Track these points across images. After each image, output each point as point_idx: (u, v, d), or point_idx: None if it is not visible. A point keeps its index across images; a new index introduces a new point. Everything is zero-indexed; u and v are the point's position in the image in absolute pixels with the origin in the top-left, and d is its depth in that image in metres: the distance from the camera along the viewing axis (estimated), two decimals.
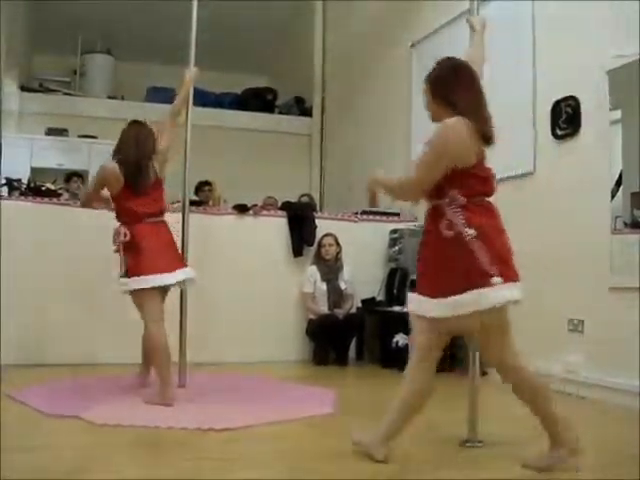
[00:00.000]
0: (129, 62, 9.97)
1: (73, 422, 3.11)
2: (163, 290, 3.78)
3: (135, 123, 3.89)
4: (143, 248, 3.68)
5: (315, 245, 5.78)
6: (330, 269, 5.69)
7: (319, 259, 5.71)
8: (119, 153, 3.78)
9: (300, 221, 5.83)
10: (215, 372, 4.77)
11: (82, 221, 4.94)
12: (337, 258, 5.73)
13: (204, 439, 2.89)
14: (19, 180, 5.84)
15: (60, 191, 5.87)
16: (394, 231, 5.95)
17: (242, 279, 5.52)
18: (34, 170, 8.01)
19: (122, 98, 9.73)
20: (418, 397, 2.57)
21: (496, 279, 2.35)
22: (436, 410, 3.46)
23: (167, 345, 3.67)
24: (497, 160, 4.78)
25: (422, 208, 2.72)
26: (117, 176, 3.72)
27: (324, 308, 5.61)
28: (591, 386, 4.05)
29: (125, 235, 3.68)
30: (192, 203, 4.93)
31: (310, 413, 3.43)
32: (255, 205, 5.93)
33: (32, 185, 5.71)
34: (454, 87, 2.52)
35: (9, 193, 5.56)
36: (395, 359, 4.78)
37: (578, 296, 4.24)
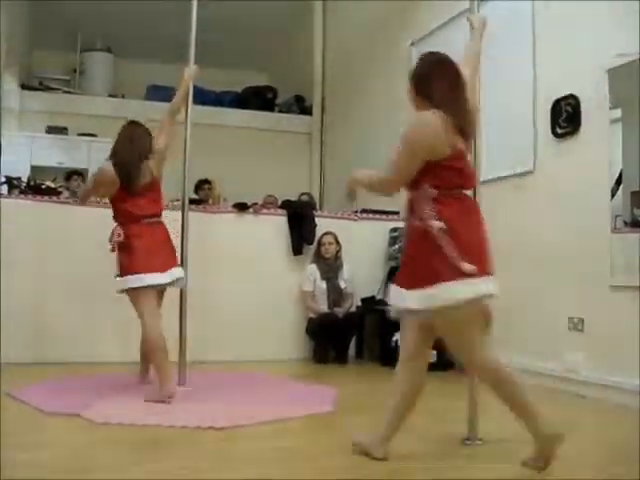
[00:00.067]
0: (129, 60, 9.97)
1: (73, 420, 3.12)
2: (158, 289, 3.80)
3: (131, 124, 3.92)
4: (136, 247, 3.71)
5: (315, 244, 5.78)
6: (330, 268, 5.69)
7: (319, 258, 5.72)
8: (114, 154, 3.82)
9: (300, 219, 5.83)
10: (215, 370, 4.77)
11: (82, 220, 4.95)
12: (337, 257, 5.73)
13: (204, 437, 2.90)
14: (19, 178, 5.84)
15: (60, 189, 5.86)
16: (394, 230, 5.95)
17: (242, 277, 5.52)
18: (34, 168, 8.00)
19: (122, 96, 9.72)
20: (409, 396, 2.58)
21: (467, 268, 2.32)
22: (436, 408, 3.47)
23: (164, 341, 3.67)
24: (497, 159, 4.82)
25: None
26: (113, 178, 3.76)
27: (324, 307, 5.61)
28: (591, 385, 4.06)
29: (119, 235, 3.73)
30: (192, 202, 4.92)
31: (310, 411, 3.43)
32: (255, 204, 5.94)
33: (32, 183, 5.70)
34: (432, 81, 2.54)
35: (9, 191, 5.56)
36: (395, 357, 4.72)
37: (578, 295, 4.24)
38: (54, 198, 5.35)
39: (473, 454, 2.73)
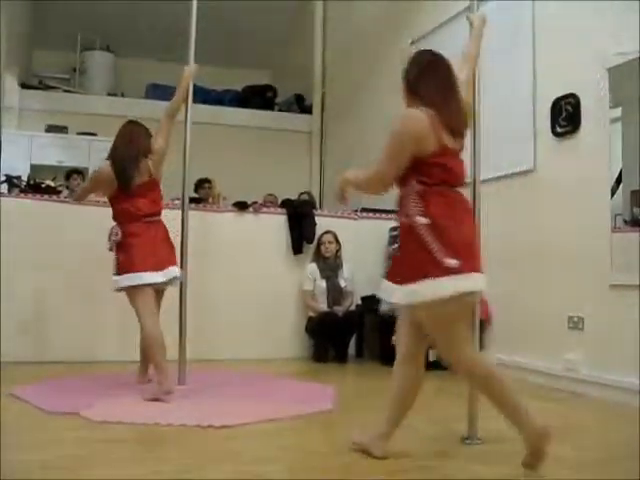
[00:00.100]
0: (129, 59, 9.98)
1: (73, 420, 3.11)
2: (156, 287, 3.80)
3: (129, 123, 3.95)
4: (133, 246, 3.73)
5: (315, 242, 5.78)
6: (330, 267, 5.69)
7: (319, 257, 5.72)
8: (112, 152, 3.85)
9: (300, 219, 5.83)
10: (214, 369, 4.77)
11: (82, 218, 4.95)
12: (337, 256, 5.74)
13: (203, 436, 2.89)
14: (19, 177, 5.84)
15: (60, 188, 5.87)
16: (394, 228, 5.93)
17: (242, 276, 5.52)
18: (34, 167, 8.01)
19: (122, 95, 9.73)
20: (406, 394, 2.58)
21: (449, 264, 2.33)
22: (436, 407, 3.47)
23: (162, 338, 3.68)
24: (498, 158, 4.81)
25: None
26: (110, 178, 3.78)
27: (324, 306, 5.61)
28: (591, 384, 4.05)
29: (117, 234, 3.75)
30: (192, 200, 4.93)
31: (310, 410, 3.43)
32: (255, 202, 5.94)
33: (32, 182, 5.71)
34: (422, 79, 2.56)
35: (9, 190, 5.56)
36: (394, 356, 4.78)
37: (578, 294, 4.24)
38: (54, 197, 5.34)
39: (473, 453, 2.73)
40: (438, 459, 2.64)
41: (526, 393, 4.05)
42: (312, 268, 5.68)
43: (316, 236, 5.79)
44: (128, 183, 3.76)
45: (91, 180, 4.13)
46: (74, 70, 9.84)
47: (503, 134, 4.80)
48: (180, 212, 4.13)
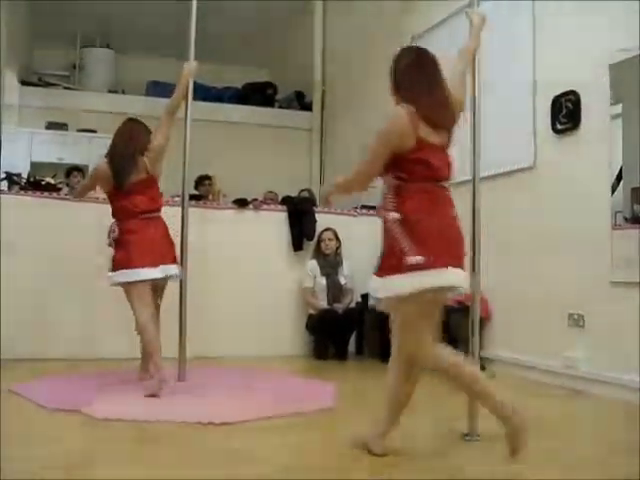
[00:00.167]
0: (129, 56, 9.96)
1: (74, 416, 3.12)
2: (155, 283, 3.82)
3: (129, 121, 3.97)
4: (129, 243, 3.75)
5: (315, 240, 5.78)
6: (330, 264, 5.69)
7: (319, 254, 5.72)
8: (111, 149, 3.88)
9: (300, 216, 5.83)
10: (215, 366, 4.78)
11: (82, 216, 4.95)
12: (337, 253, 5.74)
13: (204, 433, 2.90)
14: (19, 174, 5.85)
15: (60, 185, 5.87)
16: None
17: (242, 273, 5.52)
18: (34, 164, 8.02)
19: (122, 92, 9.72)
20: (403, 390, 2.58)
21: (411, 261, 2.34)
22: (435, 404, 3.48)
23: (155, 332, 3.72)
24: (497, 155, 4.81)
25: None
26: (107, 176, 3.81)
27: (324, 303, 5.61)
28: (591, 381, 4.06)
29: (114, 231, 3.79)
30: (192, 197, 4.93)
31: (310, 407, 3.43)
32: (255, 199, 5.94)
33: (32, 179, 5.71)
34: (401, 74, 2.62)
35: (9, 187, 5.57)
36: None
37: (578, 291, 4.24)
38: (54, 194, 5.35)
39: (473, 450, 2.73)
40: (438, 455, 2.65)
41: (526, 390, 4.08)
42: (312, 265, 5.68)
43: (316, 233, 5.79)
44: (123, 181, 3.78)
45: (90, 177, 4.16)
46: (74, 67, 9.83)
47: (503, 131, 4.79)
48: (180, 209, 4.13)
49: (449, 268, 2.40)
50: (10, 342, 4.69)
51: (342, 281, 5.70)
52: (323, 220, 5.84)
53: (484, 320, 4.71)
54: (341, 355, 5.50)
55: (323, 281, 5.63)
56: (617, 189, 4.06)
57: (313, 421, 3.23)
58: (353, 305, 5.73)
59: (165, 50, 8.53)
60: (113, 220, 3.85)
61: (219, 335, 5.25)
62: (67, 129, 8.79)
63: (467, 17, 3.12)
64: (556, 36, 4.56)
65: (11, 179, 5.67)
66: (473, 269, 2.99)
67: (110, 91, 9.62)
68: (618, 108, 4.10)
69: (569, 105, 4.39)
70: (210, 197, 6.52)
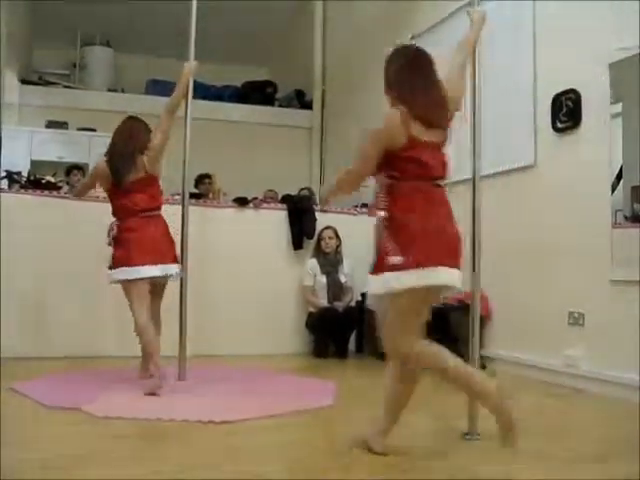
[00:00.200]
0: (129, 55, 9.97)
1: (74, 415, 3.12)
2: (155, 281, 3.82)
3: (129, 119, 3.97)
4: (128, 241, 3.76)
5: (315, 238, 5.78)
6: (330, 262, 5.69)
7: (319, 252, 5.72)
8: (110, 147, 3.88)
9: (300, 214, 5.83)
10: (215, 365, 4.78)
11: (83, 214, 4.94)
12: (337, 251, 5.74)
13: (204, 432, 2.90)
14: (19, 173, 5.84)
15: (60, 184, 5.86)
16: None
17: (242, 272, 5.52)
18: (34, 163, 8.02)
19: (122, 91, 9.72)
20: (402, 388, 2.57)
21: (392, 261, 2.36)
22: (436, 403, 3.48)
23: (153, 330, 3.73)
24: (498, 153, 4.81)
25: None
26: (106, 174, 3.83)
27: (324, 301, 5.61)
28: (591, 379, 4.06)
29: (113, 229, 3.81)
30: (192, 196, 4.93)
31: (310, 405, 3.43)
32: (255, 198, 5.93)
33: (32, 178, 5.70)
34: (392, 73, 2.60)
35: (9, 186, 5.56)
36: None
37: (579, 289, 4.24)
38: (54, 193, 5.34)
39: (473, 449, 2.73)
40: (438, 455, 2.64)
41: (526, 389, 4.08)
42: (312, 264, 5.68)
43: (316, 231, 5.79)
44: (121, 179, 3.79)
45: (90, 176, 4.17)
46: (74, 66, 9.84)
47: (503, 130, 4.79)
48: (180, 207, 4.13)
49: (439, 267, 2.39)
50: (10, 341, 4.69)
51: (342, 279, 5.70)
52: (323, 218, 5.83)
53: (484, 319, 4.71)
54: (341, 353, 5.50)
55: (323, 279, 5.63)
56: (617, 188, 4.06)
57: (313, 419, 3.23)
58: (353, 303, 5.73)
59: (165, 49, 8.54)
60: (113, 219, 3.86)
61: (219, 333, 5.25)
62: (67, 128, 8.80)
63: (468, 16, 3.12)
64: (556, 35, 4.56)
65: (11, 178, 5.66)
66: (473, 268, 2.99)
67: (110, 90, 9.63)
68: (618, 107, 4.10)
69: (569, 104, 4.39)
70: (210, 196, 6.51)
